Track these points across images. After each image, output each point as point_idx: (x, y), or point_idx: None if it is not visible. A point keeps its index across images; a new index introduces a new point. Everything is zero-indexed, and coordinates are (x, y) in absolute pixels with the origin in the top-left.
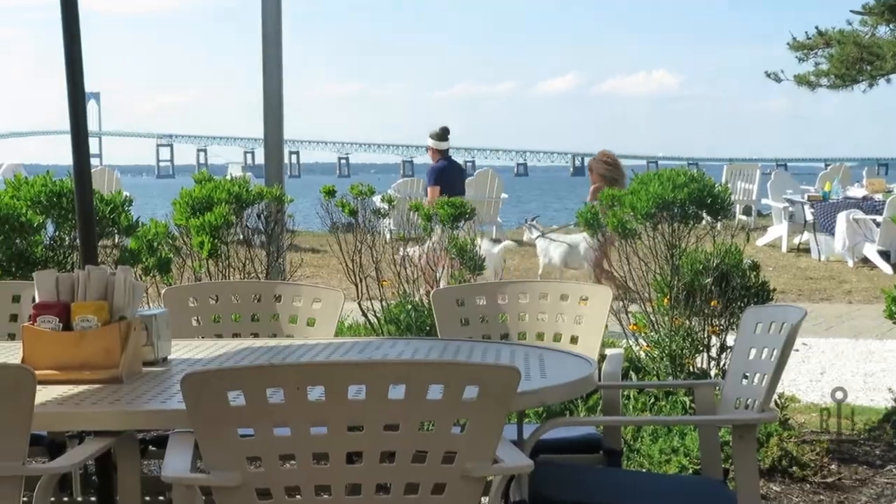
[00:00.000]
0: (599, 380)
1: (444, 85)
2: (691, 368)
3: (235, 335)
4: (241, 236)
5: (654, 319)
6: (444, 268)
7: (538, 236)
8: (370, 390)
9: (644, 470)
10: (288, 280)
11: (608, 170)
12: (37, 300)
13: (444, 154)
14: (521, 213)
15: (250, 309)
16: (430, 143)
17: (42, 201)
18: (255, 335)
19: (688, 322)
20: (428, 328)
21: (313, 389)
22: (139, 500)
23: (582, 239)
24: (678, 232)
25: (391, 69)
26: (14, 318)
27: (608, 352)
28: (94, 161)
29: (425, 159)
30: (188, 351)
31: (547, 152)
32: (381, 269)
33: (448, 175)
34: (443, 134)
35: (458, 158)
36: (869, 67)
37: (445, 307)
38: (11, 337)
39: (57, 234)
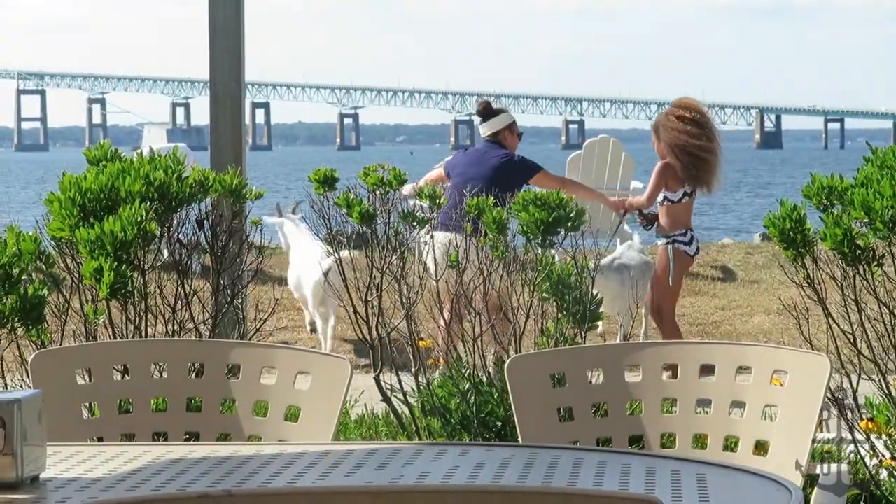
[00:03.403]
0: None
1: None
2: None
3: (158, 436)
4: (169, 258)
5: None
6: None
7: None
8: None
9: None
10: (251, 337)
11: (686, 133)
12: None
13: (488, 139)
14: None
15: (185, 389)
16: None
17: None
18: (194, 437)
19: None
20: (499, 425)
21: None
22: None
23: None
24: None
25: None
26: None
27: (821, 469)
28: None
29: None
30: (76, 464)
31: (722, 105)
32: (419, 318)
33: (452, 168)
34: (483, 110)
35: (554, 118)
36: None
37: (531, 388)
38: None
39: None
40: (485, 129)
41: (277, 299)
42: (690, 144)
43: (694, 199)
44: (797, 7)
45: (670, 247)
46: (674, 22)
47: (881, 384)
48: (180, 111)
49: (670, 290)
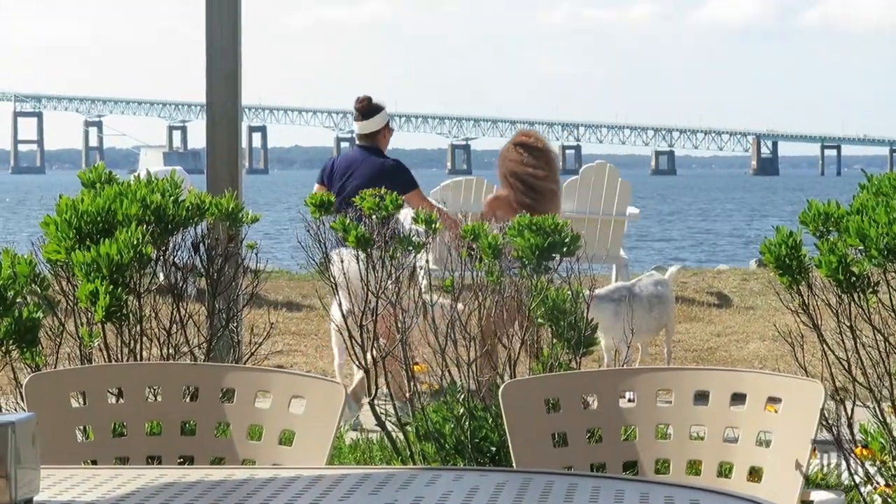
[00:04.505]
0: None
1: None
2: None
3: (152, 460)
4: (165, 281)
5: None
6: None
7: None
8: None
9: None
10: (246, 361)
11: (521, 162)
12: None
13: (362, 140)
14: (664, 240)
15: (179, 413)
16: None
17: None
18: (188, 461)
19: None
20: (493, 450)
21: None
22: None
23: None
24: None
25: None
26: None
27: (817, 496)
28: None
29: (491, 142)
30: (69, 487)
31: (719, 132)
32: (413, 341)
33: (334, 172)
34: (365, 107)
35: (552, 143)
36: None
37: (525, 414)
38: None
39: None
40: (366, 127)
41: (273, 323)
42: (524, 172)
43: None
44: (798, 31)
45: None
46: (672, 46)
47: (875, 411)
48: (177, 134)
49: None
